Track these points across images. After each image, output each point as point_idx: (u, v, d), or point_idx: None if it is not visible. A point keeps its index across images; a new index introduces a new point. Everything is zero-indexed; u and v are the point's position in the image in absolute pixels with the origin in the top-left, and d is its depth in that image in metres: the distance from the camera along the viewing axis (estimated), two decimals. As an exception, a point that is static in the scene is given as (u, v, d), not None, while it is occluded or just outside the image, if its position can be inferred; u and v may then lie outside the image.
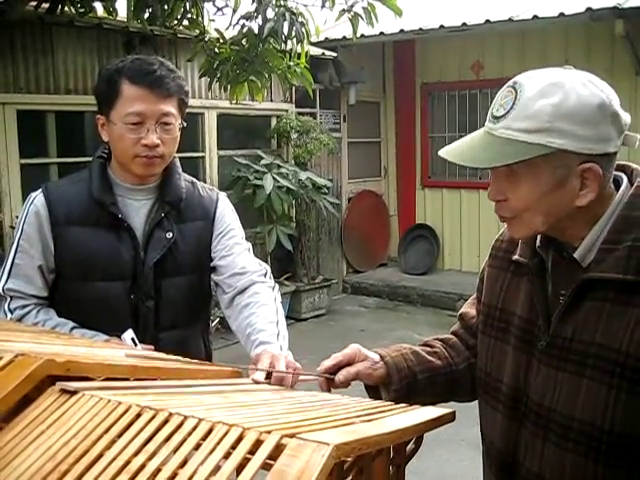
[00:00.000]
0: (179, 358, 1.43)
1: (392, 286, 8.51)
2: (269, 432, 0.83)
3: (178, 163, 2.01)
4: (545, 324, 1.30)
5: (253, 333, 1.78)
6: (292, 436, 0.81)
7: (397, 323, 7.35)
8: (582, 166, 1.19)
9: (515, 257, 1.39)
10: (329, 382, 1.43)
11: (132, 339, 1.73)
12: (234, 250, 2.00)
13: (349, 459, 0.93)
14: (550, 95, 1.18)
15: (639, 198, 1.25)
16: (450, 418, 1.16)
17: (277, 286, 2.00)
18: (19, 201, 5.41)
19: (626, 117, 1.23)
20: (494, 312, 1.44)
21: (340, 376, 1.42)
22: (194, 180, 2.07)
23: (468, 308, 1.61)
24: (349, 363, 1.45)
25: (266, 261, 7.28)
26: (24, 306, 1.88)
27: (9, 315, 1.86)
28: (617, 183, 1.29)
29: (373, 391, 1.51)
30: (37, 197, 1.92)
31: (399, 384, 1.45)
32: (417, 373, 1.48)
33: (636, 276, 1.19)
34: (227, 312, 1.97)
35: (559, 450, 1.26)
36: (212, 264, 2.01)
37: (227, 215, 2.05)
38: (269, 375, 1.49)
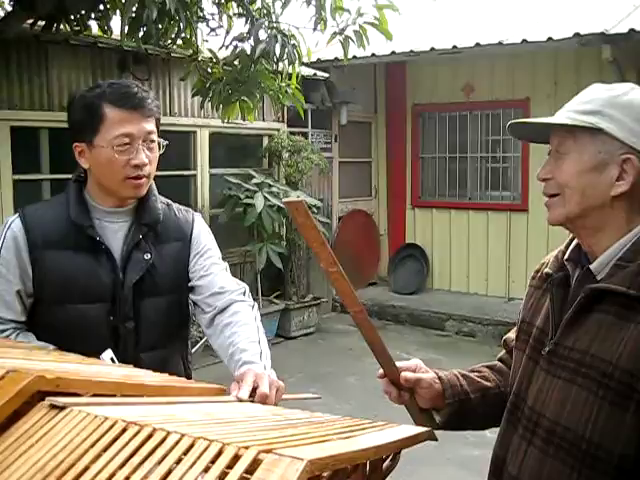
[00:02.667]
0: (165, 376, 1.46)
1: (381, 305, 8.53)
2: (247, 447, 0.87)
3: (154, 185, 2.03)
4: (553, 332, 1.37)
5: (236, 353, 1.81)
6: (268, 451, 0.85)
7: (386, 342, 7.27)
8: (623, 156, 1.30)
9: (546, 270, 1.46)
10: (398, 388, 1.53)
11: (111, 359, 1.73)
12: (212, 270, 2.02)
13: (325, 474, 0.98)
14: (611, 88, 1.35)
15: None
16: (426, 436, 1.19)
17: (256, 305, 2.02)
18: (11, 217, 5.43)
19: None
20: (524, 326, 1.51)
21: (407, 375, 1.51)
22: (169, 202, 2.09)
23: (511, 333, 1.66)
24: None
25: (256, 279, 7.37)
26: (2, 330, 1.87)
27: None
28: None
29: (424, 416, 1.56)
30: (14, 221, 1.91)
31: (452, 399, 1.52)
32: (469, 392, 1.55)
33: (639, 291, 1.24)
34: (208, 331, 1.98)
35: (541, 455, 1.32)
36: (190, 284, 2.02)
37: (203, 235, 2.07)
38: (253, 393, 1.54)
